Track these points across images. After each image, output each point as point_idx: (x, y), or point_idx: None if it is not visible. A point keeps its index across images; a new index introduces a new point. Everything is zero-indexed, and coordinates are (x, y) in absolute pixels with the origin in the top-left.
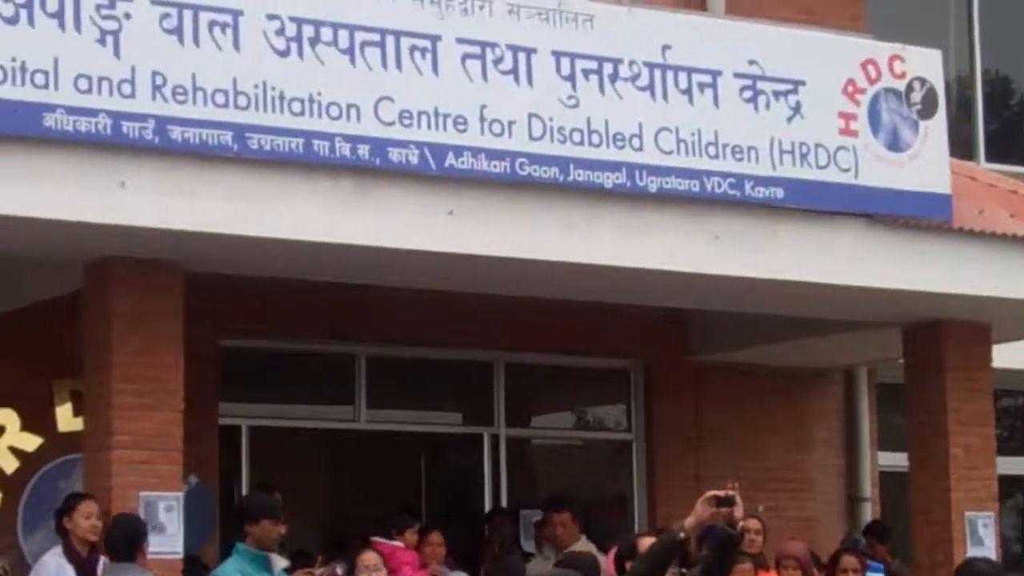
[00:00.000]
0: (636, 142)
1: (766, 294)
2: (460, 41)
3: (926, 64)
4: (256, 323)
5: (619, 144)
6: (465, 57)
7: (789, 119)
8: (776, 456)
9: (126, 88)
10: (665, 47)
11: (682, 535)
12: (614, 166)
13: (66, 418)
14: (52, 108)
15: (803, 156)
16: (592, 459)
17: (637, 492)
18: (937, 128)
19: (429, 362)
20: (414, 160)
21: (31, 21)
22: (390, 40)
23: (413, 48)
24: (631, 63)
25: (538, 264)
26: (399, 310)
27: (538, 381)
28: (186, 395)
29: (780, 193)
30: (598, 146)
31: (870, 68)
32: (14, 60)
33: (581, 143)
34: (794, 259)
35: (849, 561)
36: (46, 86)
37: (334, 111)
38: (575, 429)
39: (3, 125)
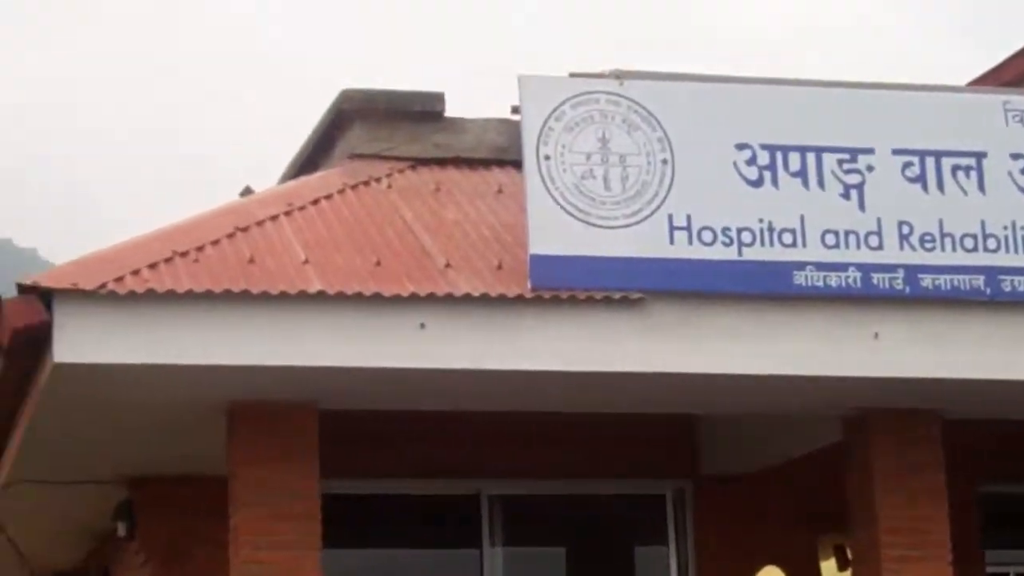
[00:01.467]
0: None
1: None
2: None
3: None
4: (1013, 466)
5: None
6: None
7: None
8: None
9: (873, 240)
10: None
11: None
12: None
13: (831, 573)
14: (801, 265)
15: None
16: None
17: None
18: None
19: None
20: None
21: (775, 182)
22: None
23: None
24: None
25: None
26: None
27: None
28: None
29: None
30: None
31: None
32: (761, 221)
33: None
34: None
35: None
36: (794, 244)
37: None
38: None
39: (755, 285)
